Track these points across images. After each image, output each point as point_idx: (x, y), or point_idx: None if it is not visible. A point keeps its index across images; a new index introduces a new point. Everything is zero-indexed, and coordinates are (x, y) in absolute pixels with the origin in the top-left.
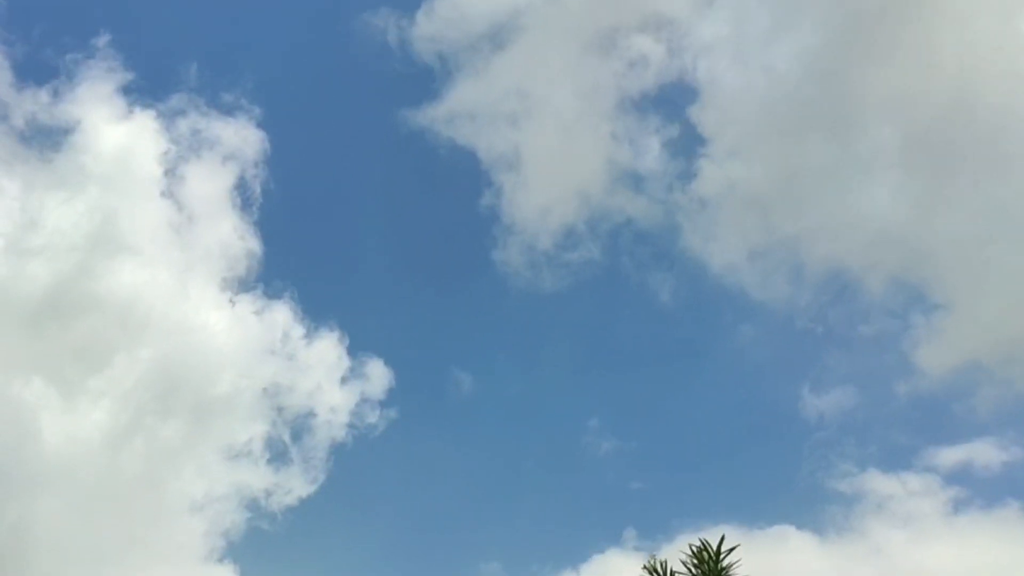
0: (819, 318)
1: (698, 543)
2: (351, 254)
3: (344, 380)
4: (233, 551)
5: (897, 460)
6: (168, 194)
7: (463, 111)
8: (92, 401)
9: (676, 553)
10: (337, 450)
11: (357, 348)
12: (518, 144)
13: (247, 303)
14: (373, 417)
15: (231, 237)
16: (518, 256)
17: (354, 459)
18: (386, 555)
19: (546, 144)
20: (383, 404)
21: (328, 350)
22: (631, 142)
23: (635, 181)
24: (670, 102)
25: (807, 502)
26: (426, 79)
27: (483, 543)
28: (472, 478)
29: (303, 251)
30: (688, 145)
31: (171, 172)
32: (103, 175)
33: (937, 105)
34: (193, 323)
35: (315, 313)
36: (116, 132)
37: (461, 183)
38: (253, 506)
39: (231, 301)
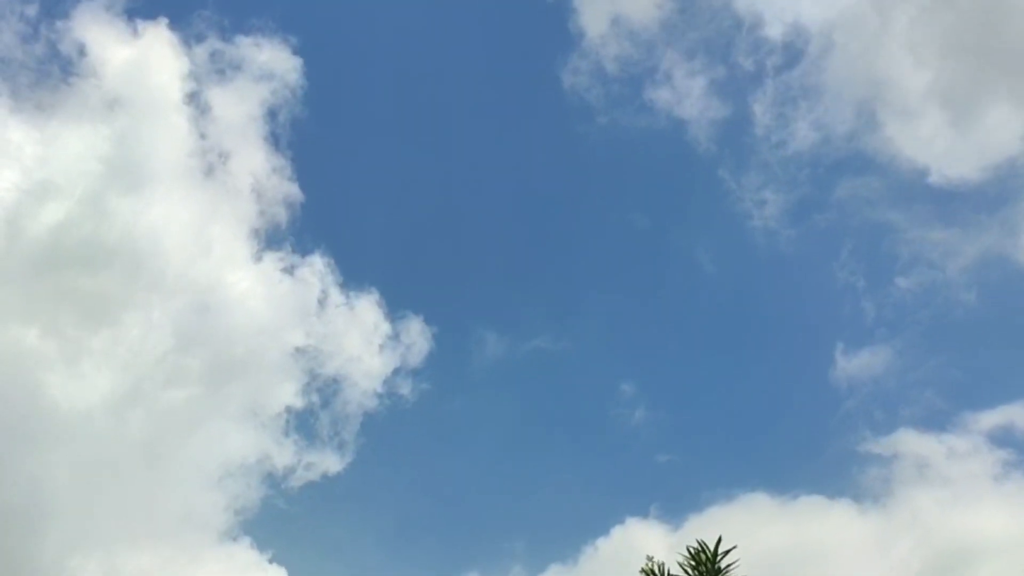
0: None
1: (696, 544)
2: (391, 190)
3: (382, 346)
4: (249, 524)
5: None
6: (192, 130)
7: None
8: (102, 361)
9: (706, 523)
10: (367, 422)
11: (396, 306)
12: None
13: (278, 256)
14: (406, 388)
15: (262, 179)
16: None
17: (384, 432)
18: (409, 536)
19: None
20: (415, 373)
21: (365, 312)
22: None
23: None
24: None
25: (843, 466)
26: None
27: (508, 520)
28: (498, 451)
29: (339, 196)
30: None
31: (194, 103)
32: (118, 105)
33: None
34: (217, 278)
35: (352, 270)
36: (129, 56)
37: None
38: (271, 480)
39: (257, 257)
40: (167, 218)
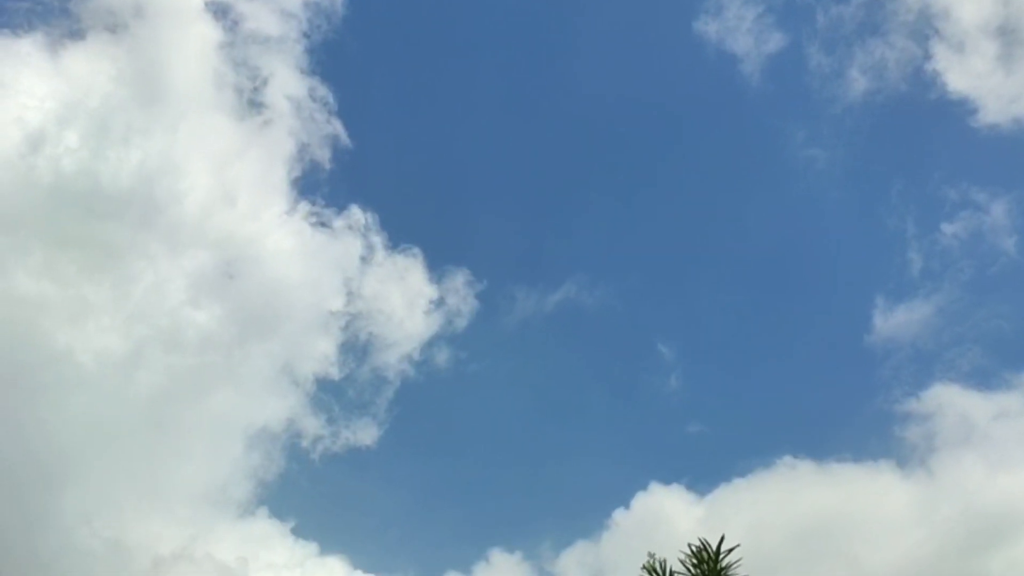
0: None
1: (698, 542)
2: (429, 135)
3: (425, 311)
4: (272, 494)
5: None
6: (217, 46)
7: None
8: (119, 317)
9: (734, 494)
10: (403, 390)
11: (437, 262)
12: None
13: (312, 211)
14: (443, 355)
15: (301, 110)
16: None
17: (418, 402)
18: (436, 510)
19: None
20: (453, 339)
21: (406, 270)
22: None
23: None
24: None
25: (885, 428)
26: None
27: (534, 494)
28: (531, 421)
29: (382, 138)
30: None
31: (221, 15)
32: (133, 15)
33: None
34: (249, 229)
35: (392, 221)
36: None
37: None
38: (296, 450)
39: (288, 213)
40: (189, 155)
